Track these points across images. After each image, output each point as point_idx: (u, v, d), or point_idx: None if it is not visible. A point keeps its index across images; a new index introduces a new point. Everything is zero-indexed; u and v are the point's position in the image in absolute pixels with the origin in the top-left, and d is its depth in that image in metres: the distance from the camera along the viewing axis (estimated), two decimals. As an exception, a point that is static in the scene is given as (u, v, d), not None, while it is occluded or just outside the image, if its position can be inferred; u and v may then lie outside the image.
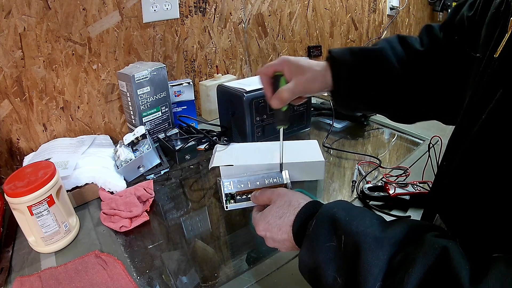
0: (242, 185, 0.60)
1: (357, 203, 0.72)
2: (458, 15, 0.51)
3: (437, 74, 0.51)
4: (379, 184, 0.73)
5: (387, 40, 0.55)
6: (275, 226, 0.46)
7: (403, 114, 0.58)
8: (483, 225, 0.37)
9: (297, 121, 1.01)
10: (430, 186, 0.71)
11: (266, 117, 0.94)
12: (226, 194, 0.60)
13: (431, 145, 0.72)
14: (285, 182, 0.61)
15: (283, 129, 0.57)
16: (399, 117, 0.59)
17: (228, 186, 0.59)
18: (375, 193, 0.71)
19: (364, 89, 0.53)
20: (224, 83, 0.99)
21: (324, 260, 0.37)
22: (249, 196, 0.58)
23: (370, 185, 0.73)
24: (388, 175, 0.77)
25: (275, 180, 0.61)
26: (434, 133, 0.82)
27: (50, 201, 0.61)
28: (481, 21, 0.44)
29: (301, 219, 0.44)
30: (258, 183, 0.60)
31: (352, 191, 0.77)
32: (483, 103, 0.36)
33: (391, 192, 0.69)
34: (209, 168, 0.81)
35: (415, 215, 0.65)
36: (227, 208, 0.59)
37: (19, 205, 0.58)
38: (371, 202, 0.71)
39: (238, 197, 0.59)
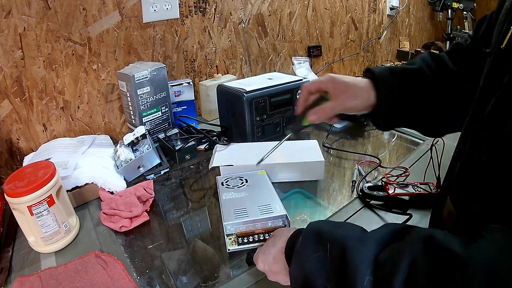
0: (244, 227, 0.60)
1: (357, 203, 0.72)
2: (483, 26, 0.52)
3: (468, 90, 0.52)
4: (379, 184, 0.73)
5: (422, 58, 0.57)
6: (271, 255, 0.48)
7: (437, 128, 0.58)
8: (493, 205, 0.37)
9: (297, 121, 1.01)
10: (432, 187, 0.71)
11: (266, 117, 0.94)
12: (228, 235, 0.60)
13: (433, 146, 0.72)
14: (283, 213, 0.61)
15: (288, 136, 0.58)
16: (432, 132, 0.60)
17: (230, 228, 0.59)
18: (375, 192, 0.71)
19: (405, 109, 0.54)
20: (224, 83, 0.99)
21: (313, 270, 0.37)
22: (251, 239, 0.59)
23: (370, 184, 0.73)
24: (388, 175, 0.77)
25: (275, 223, 0.61)
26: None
27: (50, 201, 0.61)
28: (495, 23, 0.45)
29: (290, 242, 0.45)
30: (258, 225, 0.60)
31: (352, 191, 0.77)
32: (493, 91, 0.37)
33: (390, 192, 0.69)
34: (209, 168, 0.81)
35: (415, 215, 0.65)
36: (229, 250, 0.59)
37: (19, 205, 0.58)
38: (371, 202, 0.71)
39: (240, 239, 0.59)
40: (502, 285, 0.26)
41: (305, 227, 0.44)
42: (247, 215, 0.60)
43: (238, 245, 0.59)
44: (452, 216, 0.47)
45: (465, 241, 0.30)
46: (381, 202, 0.71)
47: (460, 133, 0.47)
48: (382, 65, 1.77)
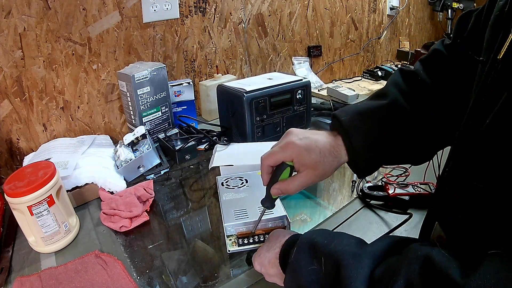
0: (244, 228, 0.60)
1: (357, 203, 0.72)
2: (468, 25, 0.50)
3: (447, 101, 0.50)
4: (379, 184, 0.73)
5: (393, 82, 0.54)
6: (266, 259, 0.48)
7: (423, 154, 0.55)
8: (484, 225, 0.37)
9: (297, 121, 1.01)
10: (432, 187, 0.71)
11: (266, 117, 0.94)
12: (228, 236, 0.60)
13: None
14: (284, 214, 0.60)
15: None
16: (420, 159, 0.56)
17: (230, 229, 0.59)
18: (375, 192, 0.71)
19: (385, 151, 0.50)
20: (224, 83, 0.99)
21: (307, 284, 0.38)
22: (251, 240, 0.59)
23: (370, 184, 0.73)
24: (388, 175, 0.77)
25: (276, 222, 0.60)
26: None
27: (50, 201, 0.61)
28: (485, 24, 0.43)
29: (285, 250, 0.45)
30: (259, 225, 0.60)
31: (352, 191, 0.77)
32: (488, 106, 0.35)
33: (390, 192, 0.69)
34: (209, 168, 0.81)
35: (415, 215, 0.65)
36: (229, 251, 0.59)
37: (19, 205, 0.58)
38: (371, 202, 0.71)
39: (240, 240, 0.59)
40: None
41: (300, 236, 0.43)
42: (247, 216, 0.60)
43: (239, 246, 0.59)
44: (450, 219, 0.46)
45: (463, 267, 0.29)
46: (381, 202, 0.71)
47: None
48: (382, 65, 1.77)
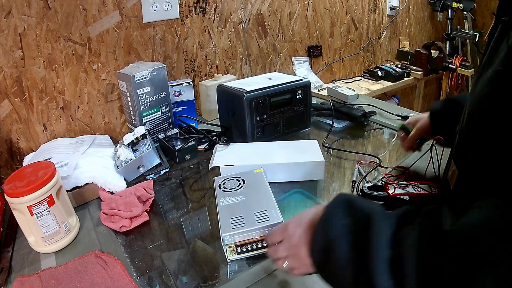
0: (241, 237, 0.59)
1: (357, 203, 0.72)
2: None
3: None
4: (380, 184, 0.73)
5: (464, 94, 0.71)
6: (295, 236, 0.45)
7: None
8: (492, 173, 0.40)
9: (297, 121, 1.01)
10: (432, 187, 0.71)
11: (266, 117, 0.94)
12: (227, 245, 0.59)
13: (433, 146, 0.72)
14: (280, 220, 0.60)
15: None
16: None
17: (228, 238, 0.59)
18: (375, 192, 0.71)
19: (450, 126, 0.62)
20: (224, 83, 0.99)
21: (336, 237, 0.38)
22: (249, 247, 0.59)
23: (370, 184, 0.73)
24: (388, 175, 0.77)
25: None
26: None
27: (50, 201, 0.61)
28: None
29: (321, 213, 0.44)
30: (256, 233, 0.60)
31: (352, 191, 0.77)
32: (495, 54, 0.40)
33: (390, 192, 0.69)
34: (209, 168, 0.81)
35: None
36: (229, 260, 0.59)
37: (19, 205, 0.58)
38: (371, 202, 0.71)
39: (239, 249, 0.59)
40: (472, 250, 0.30)
41: (338, 194, 0.44)
42: (244, 225, 0.59)
43: (237, 254, 0.59)
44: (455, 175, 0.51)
45: (457, 218, 0.33)
46: (381, 202, 0.71)
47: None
48: (382, 65, 1.77)
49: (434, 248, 0.32)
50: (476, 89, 0.43)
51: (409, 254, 0.33)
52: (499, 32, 0.43)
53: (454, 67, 1.77)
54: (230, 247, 0.59)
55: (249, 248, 0.59)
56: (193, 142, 0.93)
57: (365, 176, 0.79)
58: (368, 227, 0.37)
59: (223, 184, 0.72)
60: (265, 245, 0.59)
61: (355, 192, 0.75)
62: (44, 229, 0.61)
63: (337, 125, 1.08)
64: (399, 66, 1.80)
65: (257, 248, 0.59)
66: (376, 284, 0.33)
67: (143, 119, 0.95)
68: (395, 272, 0.33)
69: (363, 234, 0.37)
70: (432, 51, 1.72)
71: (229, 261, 0.59)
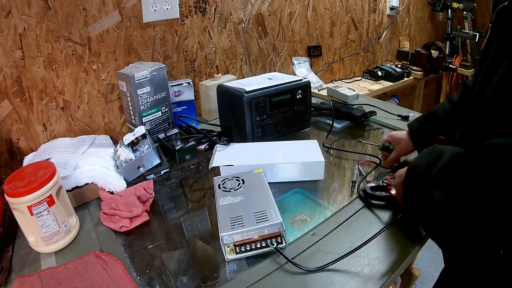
0: (240, 237, 0.59)
1: (357, 203, 0.72)
2: None
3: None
4: (382, 184, 0.73)
5: (441, 104, 0.79)
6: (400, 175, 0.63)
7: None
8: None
9: (297, 121, 1.01)
10: None
11: (266, 117, 0.94)
12: (225, 245, 0.59)
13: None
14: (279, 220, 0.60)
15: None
16: None
17: (227, 238, 0.59)
18: (377, 193, 0.71)
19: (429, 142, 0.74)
20: (224, 83, 0.99)
21: (421, 167, 0.52)
22: (248, 247, 0.59)
23: (373, 184, 0.73)
24: (391, 176, 0.76)
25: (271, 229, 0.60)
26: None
27: (50, 201, 0.61)
28: None
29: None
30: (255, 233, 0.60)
31: (352, 191, 0.77)
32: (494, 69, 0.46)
33: (393, 192, 0.69)
34: (209, 168, 0.81)
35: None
36: (227, 259, 0.59)
37: (19, 205, 0.58)
38: (373, 202, 0.71)
39: (237, 248, 0.59)
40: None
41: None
42: (243, 225, 0.59)
43: (236, 254, 0.59)
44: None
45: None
46: (383, 203, 0.70)
47: None
48: (382, 65, 1.77)
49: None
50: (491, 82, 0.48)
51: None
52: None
53: (454, 67, 1.77)
54: (229, 246, 0.59)
55: (248, 248, 0.59)
56: (193, 142, 0.93)
57: (365, 176, 0.79)
58: (441, 155, 0.48)
59: (223, 183, 0.72)
60: (264, 245, 0.59)
61: (355, 192, 0.75)
62: (44, 229, 0.61)
63: (337, 125, 1.08)
64: (399, 66, 1.79)
65: (256, 248, 0.59)
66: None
67: (143, 119, 0.95)
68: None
69: (437, 159, 0.48)
70: (432, 51, 1.72)
71: (227, 260, 0.59)
